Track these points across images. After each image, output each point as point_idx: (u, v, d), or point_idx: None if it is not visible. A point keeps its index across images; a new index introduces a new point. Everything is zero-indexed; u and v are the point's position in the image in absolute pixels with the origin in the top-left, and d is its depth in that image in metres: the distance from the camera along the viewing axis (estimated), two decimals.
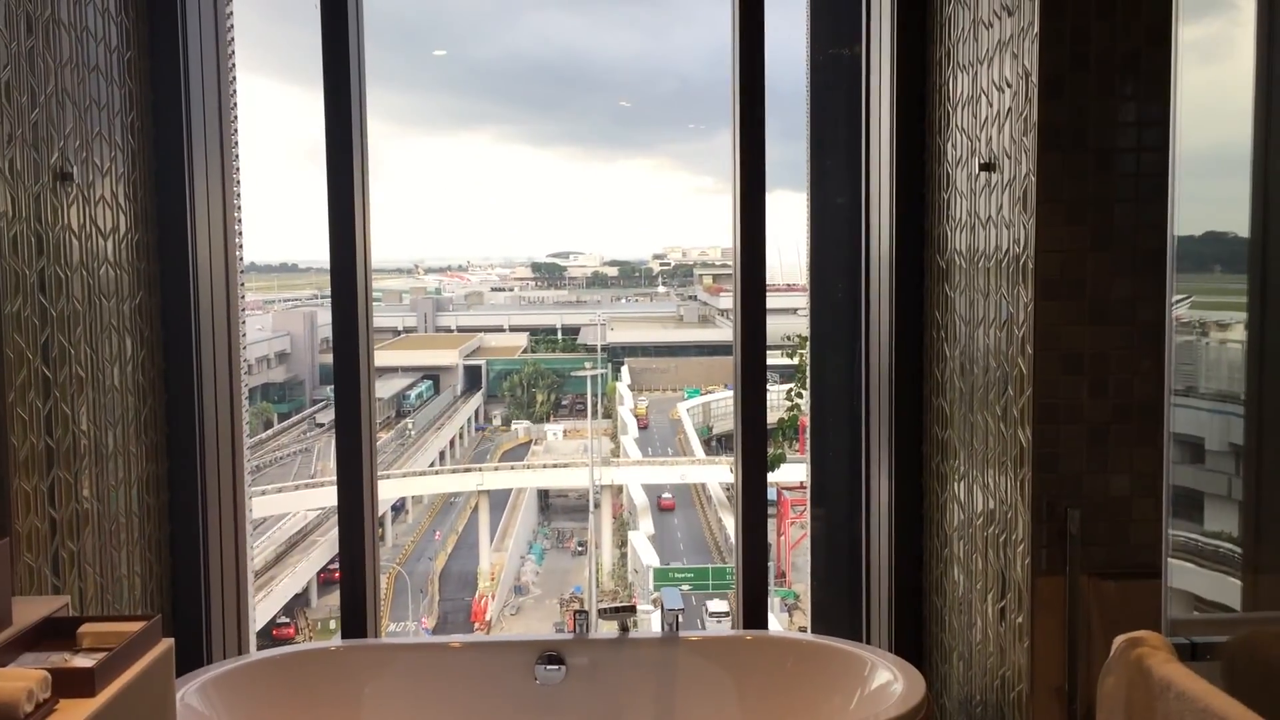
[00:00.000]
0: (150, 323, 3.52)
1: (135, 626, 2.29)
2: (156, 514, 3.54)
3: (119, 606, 3.26)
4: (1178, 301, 2.56)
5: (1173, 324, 2.46)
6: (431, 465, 18.51)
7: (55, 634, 2.32)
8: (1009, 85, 2.87)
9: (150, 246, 3.53)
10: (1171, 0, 2.46)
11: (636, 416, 19.80)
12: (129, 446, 3.34)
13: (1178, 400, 2.55)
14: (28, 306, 2.77)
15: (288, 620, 15.07)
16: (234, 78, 3.78)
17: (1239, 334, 2.55)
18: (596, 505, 17.03)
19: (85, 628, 2.29)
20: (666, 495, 18.96)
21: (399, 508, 18.78)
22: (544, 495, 20.05)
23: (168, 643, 2.37)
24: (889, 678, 3.26)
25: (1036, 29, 2.69)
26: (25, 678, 1.95)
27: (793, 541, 14.87)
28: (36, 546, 2.78)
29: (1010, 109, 2.87)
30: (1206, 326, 2.61)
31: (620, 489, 18.24)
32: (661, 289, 23.36)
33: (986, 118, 3.05)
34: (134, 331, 3.39)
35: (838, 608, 4.07)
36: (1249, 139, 2.57)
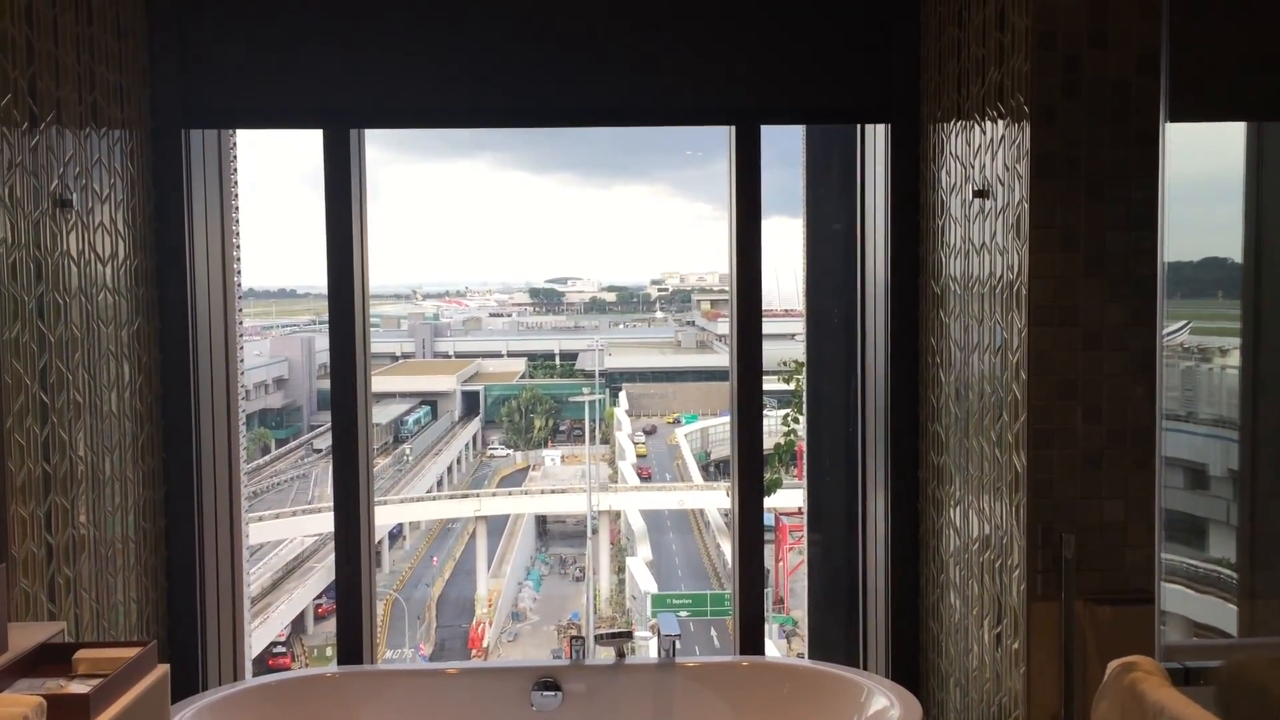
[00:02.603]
0: (148, 348, 3.53)
1: (130, 653, 2.29)
2: (153, 540, 3.54)
3: (115, 633, 3.25)
4: (1180, 329, 2.58)
5: (1163, 349, 2.47)
6: (429, 491, 18.45)
7: (51, 660, 2.33)
8: (1002, 113, 2.90)
9: (149, 272, 3.54)
10: (1161, 29, 2.49)
11: (639, 456, 19.59)
12: (126, 472, 3.34)
13: (1180, 426, 2.56)
14: (26, 332, 2.78)
15: (284, 650, 14.95)
16: None
17: (1238, 359, 2.56)
18: (594, 531, 16.98)
19: (81, 654, 2.29)
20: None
21: (396, 534, 18.70)
22: (542, 521, 19.97)
23: (163, 669, 2.37)
24: (885, 704, 3.26)
25: (1028, 57, 2.71)
26: (21, 704, 1.95)
27: (791, 567, 14.81)
28: (33, 572, 2.78)
29: (1003, 136, 2.89)
30: (1209, 352, 2.63)
31: (618, 515, 18.18)
32: (659, 314, 23.32)
33: (980, 145, 3.07)
34: (132, 357, 3.40)
35: (835, 633, 4.07)
36: (1241, 165, 2.59)
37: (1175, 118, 2.39)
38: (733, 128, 3.78)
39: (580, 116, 3.83)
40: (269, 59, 3.63)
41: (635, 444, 19.81)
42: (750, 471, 3.86)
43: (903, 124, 3.65)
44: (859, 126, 3.89)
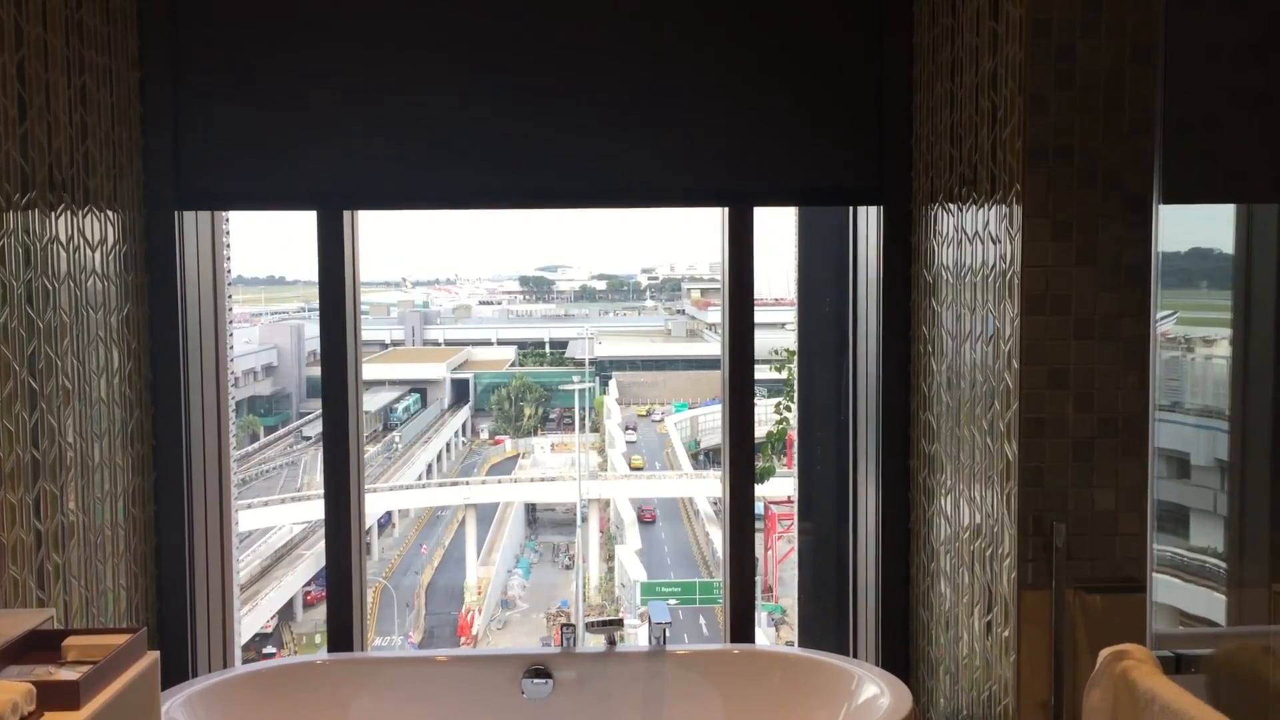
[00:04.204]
0: (138, 335, 3.51)
1: (120, 639, 2.28)
2: (142, 527, 3.53)
3: (104, 619, 3.24)
4: (1166, 319, 2.58)
5: (1157, 339, 2.47)
6: (419, 479, 18.43)
7: (40, 647, 2.31)
8: (995, 102, 2.90)
9: (138, 258, 3.52)
10: (1156, 19, 2.49)
11: (634, 468, 19.53)
12: (115, 459, 3.33)
13: (1164, 415, 2.57)
14: (15, 318, 2.76)
15: (273, 651, 14.86)
16: None
17: (1224, 349, 2.57)
18: (584, 519, 16.99)
19: (70, 640, 2.28)
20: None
21: (385, 522, 18.68)
22: (531, 509, 19.97)
23: (153, 655, 2.37)
24: (875, 691, 3.27)
25: (1022, 47, 2.71)
26: (10, 690, 1.94)
27: (780, 556, 14.84)
28: (22, 559, 2.77)
29: (996, 125, 2.89)
30: (1193, 342, 2.63)
31: (608, 503, 18.18)
32: (649, 303, 23.30)
33: (973, 134, 3.07)
34: (121, 343, 3.38)
35: (825, 622, 4.08)
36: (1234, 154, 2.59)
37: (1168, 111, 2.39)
38: (725, 209, 3.79)
39: (573, 198, 3.79)
40: (261, 142, 3.62)
41: (627, 440, 19.77)
42: (742, 460, 3.86)
43: (895, 207, 3.68)
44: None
